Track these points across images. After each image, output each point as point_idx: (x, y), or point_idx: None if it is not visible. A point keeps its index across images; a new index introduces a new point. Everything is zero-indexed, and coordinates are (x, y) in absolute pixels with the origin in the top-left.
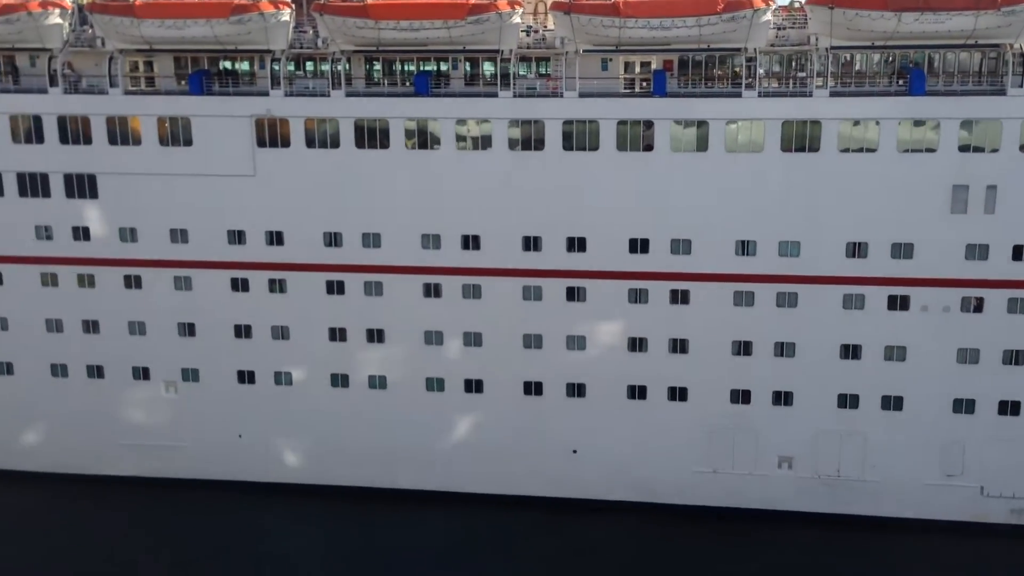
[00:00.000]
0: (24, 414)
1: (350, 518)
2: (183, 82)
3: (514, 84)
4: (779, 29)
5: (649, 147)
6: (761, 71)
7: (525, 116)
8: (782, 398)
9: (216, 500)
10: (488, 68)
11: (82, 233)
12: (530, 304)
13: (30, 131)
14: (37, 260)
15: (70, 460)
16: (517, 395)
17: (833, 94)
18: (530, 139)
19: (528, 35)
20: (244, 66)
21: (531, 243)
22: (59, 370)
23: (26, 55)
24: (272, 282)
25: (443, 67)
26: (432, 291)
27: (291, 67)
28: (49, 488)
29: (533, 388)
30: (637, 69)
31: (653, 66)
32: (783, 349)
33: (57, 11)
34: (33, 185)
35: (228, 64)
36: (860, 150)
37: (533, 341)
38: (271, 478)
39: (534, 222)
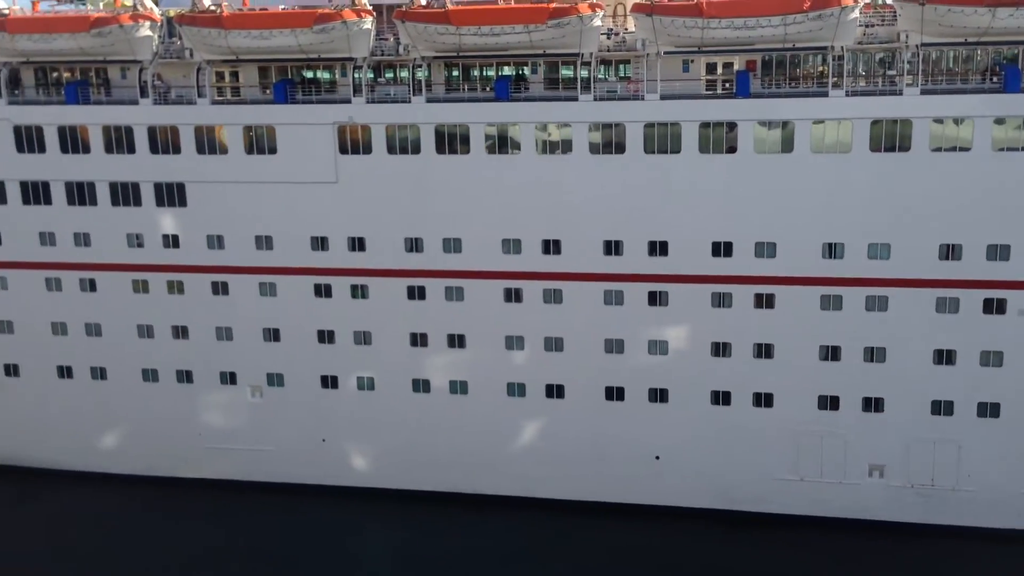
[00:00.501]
0: (115, 418)
1: (430, 522)
2: (267, 91)
3: (594, 87)
4: (866, 27)
5: (732, 149)
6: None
7: (606, 119)
8: (872, 404)
9: (298, 503)
10: (567, 72)
11: (171, 241)
12: (612, 308)
13: (122, 141)
14: (129, 267)
15: (158, 463)
16: (599, 400)
17: (924, 92)
18: (611, 143)
19: (608, 38)
20: (326, 74)
21: (612, 247)
22: (150, 375)
23: (117, 67)
24: (354, 287)
25: (522, 72)
26: (513, 296)
27: (370, 75)
28: (138, 491)
29: (615, 393)
30: (719, 70)
31: (736, 67)
32: (873, 354)
33: (147, 24)
34: (125, 194)
35: (310, 73)
36: (953, 149)
37: (615, 346)
38: (353, 482)
39: (615, 226)
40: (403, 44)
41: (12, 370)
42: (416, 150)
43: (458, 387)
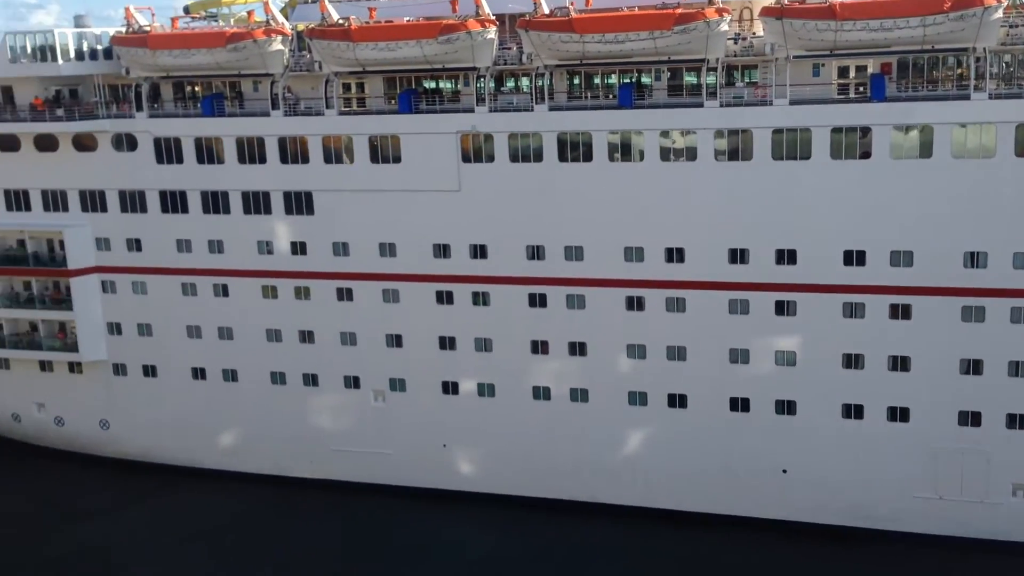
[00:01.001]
0: (245, 418)
1: (546, 530)
2: (392, 102)
3: (720, 93)
4: (1010, 27)
5: (866, 155)
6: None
7: (732, 126)
8: (1017, 421)
9: (418, 507)
10: (691, 78)
11: (299, 248)
12: (736, 318)
13: (254, 152)
14: (259, 274)
15: (285, 463)
16: (723, 411)
17: None
18: (737, 149)
19: (735, 43)
20: (448, 85)
21: (738, 255)
22: (278, 377)
23: (250, 80)
24: (476, 295)
25: (645, 79)
26: (635, 304)
27: (492, 84)
28: (267, 490)
29: (739, 404)
30: (852, 73)
31: (869, 70)
32: (1019, 368)
33: (279, 38)
34: (256, 203)
35: (433, 83)
36: None
37: (739, 356)
38: (472, 488)
39: (741, 234)
40: (526, 53)
41: (150, 371)
42: (538, 158)
43: (579, 395)
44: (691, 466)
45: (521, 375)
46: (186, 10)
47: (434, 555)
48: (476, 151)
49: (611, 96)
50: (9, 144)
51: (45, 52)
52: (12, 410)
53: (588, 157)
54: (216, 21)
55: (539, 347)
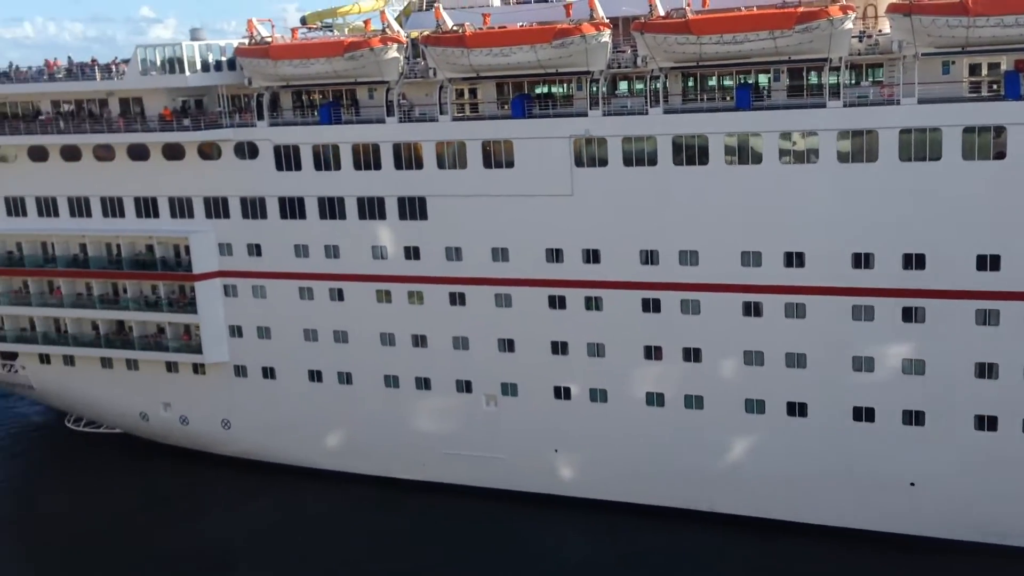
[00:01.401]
0: (359, 420)
1: (655, 538)
2: (505, 107)
3: (844, 93)
4: None
5: (1001, 155)
6: None
7: (856, 127)
8: None
9: (526, 512)
10: (812, 78)
11: (413, 252)
12: (860, 324)
13: (369, 158)
14: (373, 278)
15: (397, 466)
16: (845, 421)
17: None
18: (862, 150)
19: (860, 41)
20: (559, 89)
21: (861, 260)
22: (391, 381)
23: (366, 88)
24: (588, 299)
25: (762, 79)
26: (752, 309)
27: (605, 87)
28: (377, 491)
29: (863, 414)
30: (984, 71)
31: (1003, 67)
32: None
33: (395, 46)
34: (371, 208)
35: (545, 88)
36: None
37: (863, 363)
38: (585, 494)
39: (865, 238)
40: (640, 56)
41: (269, 372)
42: (653, 162)
43: (693, 402)
44: (810, 477)
45: (634, 381)
46: (303, 21)
47: (538, 560)
48: (589, 155)
49: (727, 98)
50: (139, 153)
51: (173, 64)
52: (140, 409)
53: (704, 160)
54: (332, 31)
55: (653, 352)
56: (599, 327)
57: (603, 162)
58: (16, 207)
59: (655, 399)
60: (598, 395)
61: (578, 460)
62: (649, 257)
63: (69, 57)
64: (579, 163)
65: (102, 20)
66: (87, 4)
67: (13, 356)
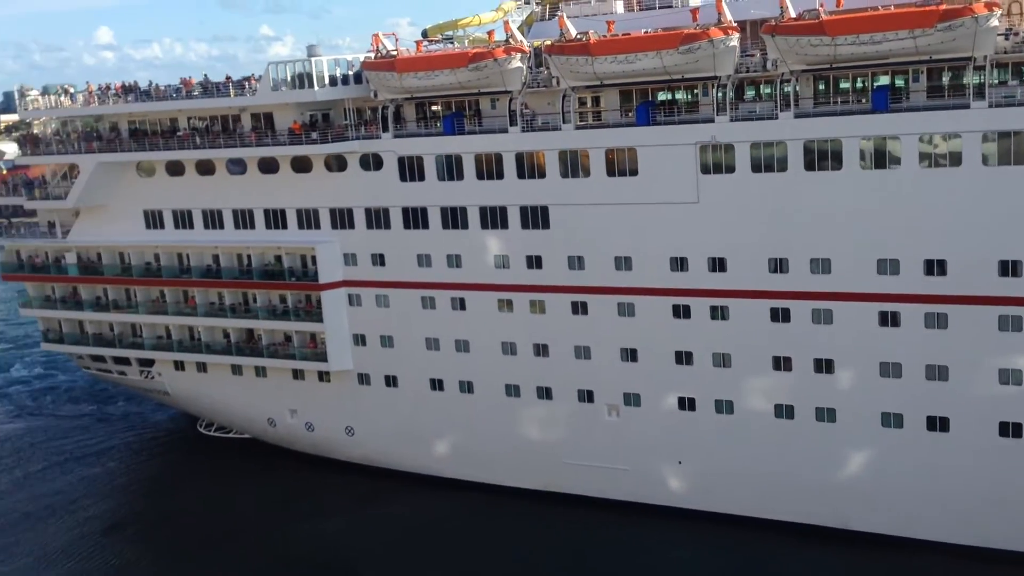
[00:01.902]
0: (481, 429)
1: (783, 556)
2: (629, 114)
3: (990, 93)
4: None
5: None
6: None
7: (1004, 128)
8: None
9: (649, 524)
10: (952, 77)
11: (535, 262)
12: (1007, 335)
13: (492, 168)
14: (495, 287)
15: (518, 475)
16: (991, 436)
17: None
18: (1009, 152)
19: (1006, 38)
20: (683, 95)
21: (1009, 268)
22: (512, 390)
23: (488, 98)
24: (714, 309)
25: (898, 81)
26: (888, 319)
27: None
28: (496, 498)
29: (1010, 430)
30: None
31: None
32: None
33: (518, 56)
34: (493, 218)
35: (665, 95)
36: None
37: (1011, 377)
38: (709, 507)
39: (1012, 244)
40: (771, 59)
41: (392, 380)
42: (783, 168)
43: (824, 415)
44: (956, 495)
45: (762, 392)
46: (424, 34)
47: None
48: (716, 162)
49: (862, 100)
50: (269, 166)
51: (303, 79)
52: (268, 415)
53: (837, 165)
54: (452, 43)
55: (781, 363)
56: (725, 337)
57: (730, 169)
58: (155, 220)
59: (784, 411)
60: (723, 406)
61: (703, 473)
62: (778, 265)
63: (205, 75)
64: (705, 170)
65: (224, 40)
66: (211, 25)
67: (150, 363)
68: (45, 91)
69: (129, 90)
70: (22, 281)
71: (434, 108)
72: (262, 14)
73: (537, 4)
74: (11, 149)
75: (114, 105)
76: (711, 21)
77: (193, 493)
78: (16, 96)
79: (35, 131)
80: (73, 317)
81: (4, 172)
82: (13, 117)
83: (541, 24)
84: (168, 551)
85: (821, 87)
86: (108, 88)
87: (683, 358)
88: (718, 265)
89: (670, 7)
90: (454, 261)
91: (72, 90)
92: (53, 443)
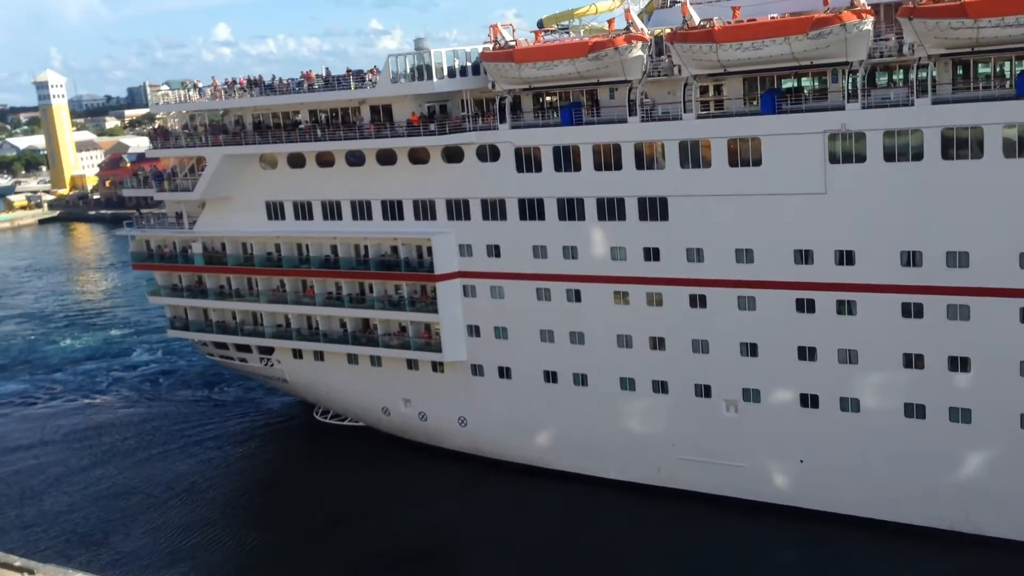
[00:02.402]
0: (595, 422)
1: (918, 561)
2: (754, 102)
3: None
4: None
5: None
6: None
7: None
8: None
9: (769, 523)
10: None
11: (652, 254)
12: None
13: (610, 159)
14: (611, 279)
15: (632, 469)
16: None
17: None
18: None
19: None
20: (809, 82)
21: None
22: (627, 383)
23: (606, 88)
24: (840, 303)
25: None
26: None
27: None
28: (615, 495)
29: None
30: None
31: None
32: None
33: (639, 44)
34: (610, 209)
35: (790, 82)
36: None
37: None
38: (830, 508)
39: None
40: (908, 43)
41: (505, 372)
42: (918, 156)
43: (959, 415)
44: None
45: (892, 390)
46: (540, 25)
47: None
48: (845, 151)
49: (1007, 85)
50: (387, 158)
51: (422, 71)
52: (383, 404)
53: (978, 154)
54: (568, 33)
55: (913, 361)
56: (851, 332)
57: (861, 158)
58: (276, 211)
59: (914, 410)
60: (849, 404)
61: (826, 472)
62: (911, 259)
63: (327, 68)
64: (834, 159)
65: (335, 34)
66: (322, 20)
67: (270, 351)
68: (169, 87)
69: (253, 84)
70: (151, 270)
71: (550, 99)
72: (371, 8)
73: None
74: (136, 143)
75: (239, 99)
76: (843, 5)
77: (306, 478)
78: (145, 92)
79: (163, 125)
80: (198, 305)
81: (129, 164)
82: (137, 112)
83: (661, 12)
84: (278, 535)
85: (959, 72)
86: (234, 83)
87: (806, 353)
88: (846, 258)
89: None
90: (570, 253)
91: (200, 85)
92: (173, 427)
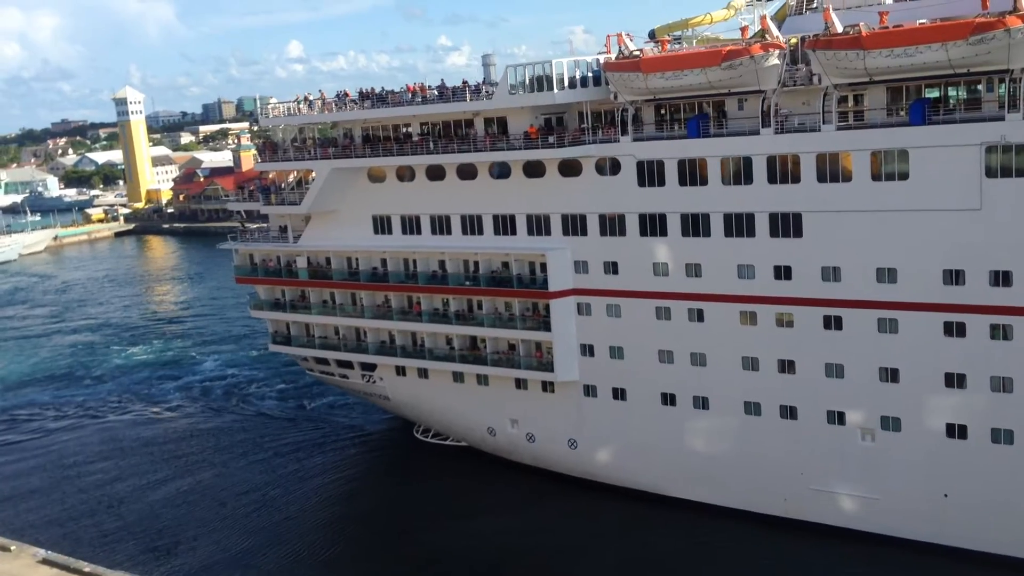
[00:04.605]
0: (716, 448)
1: None
2: (902, 112)
3: None
4: None
5: None
6: None
7: None
8: None
9: (914, 561)
10: None
11: (783, 272)
12: None
13: (739, 172)
14: (737, 299)
15: (757, 499)
16: None
17: None
18: None
19: None
20: (955, 92)
21: None
22: (752, 408)
23: (735, 99)
24: (994, 327)
25: None
26: None
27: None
28: (735, 525)
29: None
30: None
31: None
32: None
33: (776, 52)
34: (739, 225)
35: (935, 91)
36: None
37: None
38: (979, 547)
39: None
40: None
41: (620, 394)
42: None
43: None
44: None
45: None
46: (651, 35)
47: None
48: (1005, 165)
49: None
50: (501, 171)
51: (541, 82)
52: (489, 424)
53: None
54: (680, 44)
55: None
56: (1007, 359)
57: (1022, 172)
58: (383, 225)
59: None
60: (1002, 436)
61: (974, 508)
62: None
63: (442, 80)
64: (991, 173)
65: (405, 51)
66: (393, 37)
67: (372, 367)
68: (240, 104)
69: (365, 96)
70: (254, 284)
71: (673, 110)
72: (441, 25)
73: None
74: (209, 158)
75: (350, 111)
76: (1005, 8)
77: (399, 496)
78: (219, 108)
79: (272, 138)
80: (301, 320)
81: (203, 179)
82: (211, 128)
83: (795, 19)
84: (366, 549)
85: None
86: (346, 95)
87: (954, 380)
88: (1002, 279)
89: None
90: (693, 270)
91: (311, 98)
92: (260, 439)
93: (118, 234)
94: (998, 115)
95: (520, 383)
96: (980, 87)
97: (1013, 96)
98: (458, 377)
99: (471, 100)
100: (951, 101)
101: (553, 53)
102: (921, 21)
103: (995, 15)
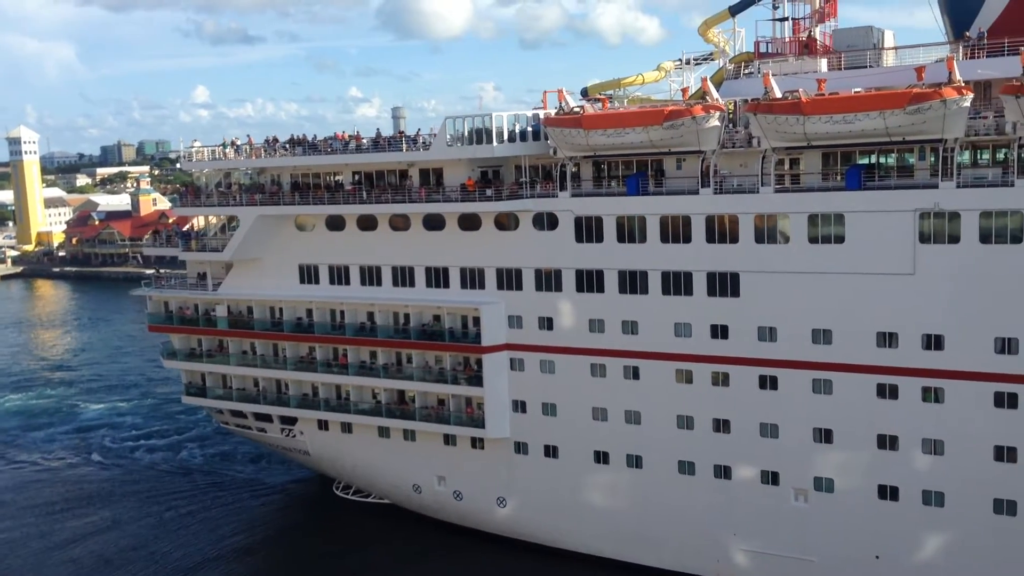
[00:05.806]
0: (649, 508)
1: None
2: (838, 177)
3: None
4: None
5: None
6: None
7: None
8: None
9: None
10: None
11: (720, 331)
12: None
13: (678, 231)
14: (674, 357)
15: (687, 560)
16: None
17: None
18: None
19: None
20: (887, 159)
21: None
22: (686, 467)
23: (673, 159)
24: (926, 390)
25: None
26: None
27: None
28: None
29: None
30: None
31: None
32: None
33: (716, 114)
34: (676, 283)
35: (868, 158)
36: None
37: None
38: None
39: None
40: (1010, 121)
41: (551, 451)
42: (1017, 239)
43: None
44: None
45: (981, 485)
46: (584, 93)
47: None
48: (938, 231)
49: None
50: (435, 223)
51: (481, 135)
52: (414, 481)
53: None
54: (613, 103)
55: (1005, 454)
56: (939, 422)
57: (954, 239)
58: (310, 274)
59: (1005, 507)
60: (933, 498)
61: (905, 570)
62: (1006, 346)
63: (377, 130)
64: (924, 239)
65: (315, 101)
66: (302, 87)
67: (293, 421)
68: (141, 147)
69: (296, 143)
70: (169, 332)
71: (611, 167)
72: (353, 77)
73: (692, 64)
74: (106, 201)
75: (280, 158)
76: (940, 78)
77: (318, 552)
78: (119, 150)
79: (195, 183)
80: (219, 371)
81: (98, 223)
82: (110, 170)
83: (732, 82)
84: None
85: None
86: (275, 141)
87: (886, 443)
88: (934, 343)
89: (879, 67)
90: (630, 327)
91: (238, 142)
92: (160, 497)
93: (4, 277)
94: (932, 183)
95: (449, 439)
96: (912, 155)
97: (946, 164)
98: (384, 432)
99: (407, 150)
100: (883, 168)
101: (462, 108)
102: (856, 90)
103: (931, 86)
